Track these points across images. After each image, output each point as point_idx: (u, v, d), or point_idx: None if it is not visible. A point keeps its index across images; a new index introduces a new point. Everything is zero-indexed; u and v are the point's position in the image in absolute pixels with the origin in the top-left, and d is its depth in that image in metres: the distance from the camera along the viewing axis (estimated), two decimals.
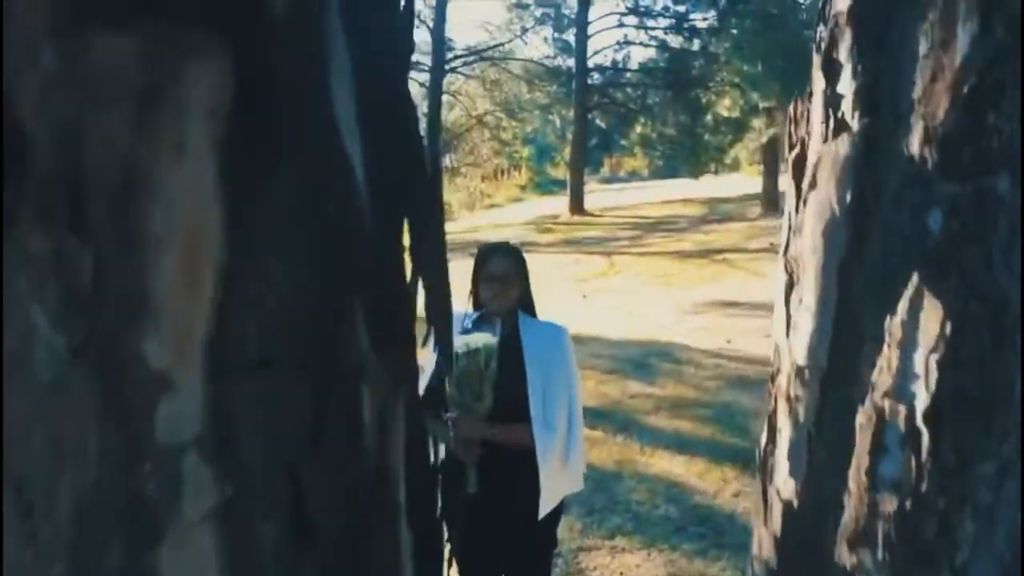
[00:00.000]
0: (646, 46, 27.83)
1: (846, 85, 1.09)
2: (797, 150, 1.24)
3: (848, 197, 1.08)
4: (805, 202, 1.18)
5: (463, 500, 2.36)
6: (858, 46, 1.07)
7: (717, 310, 10.78)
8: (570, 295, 12.86)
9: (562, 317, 2.73)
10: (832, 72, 1.12)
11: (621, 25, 27.06)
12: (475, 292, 2.51)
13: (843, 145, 1.09)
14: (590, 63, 26.61)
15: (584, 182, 27.37)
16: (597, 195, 31.13)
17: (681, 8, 25.08)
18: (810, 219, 1.16)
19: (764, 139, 19.34)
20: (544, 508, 2.37)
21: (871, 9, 1.06)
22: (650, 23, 26.86)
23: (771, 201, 21.31)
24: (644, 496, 4.48)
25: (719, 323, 9.85)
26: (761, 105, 18.08)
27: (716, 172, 38.17)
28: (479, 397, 2.28)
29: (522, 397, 2.32)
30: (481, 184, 35.79)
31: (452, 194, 33.22)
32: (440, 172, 1.03)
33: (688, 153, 25.88)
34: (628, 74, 28.21)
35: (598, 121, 27.89)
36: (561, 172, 39.56)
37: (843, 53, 1.09)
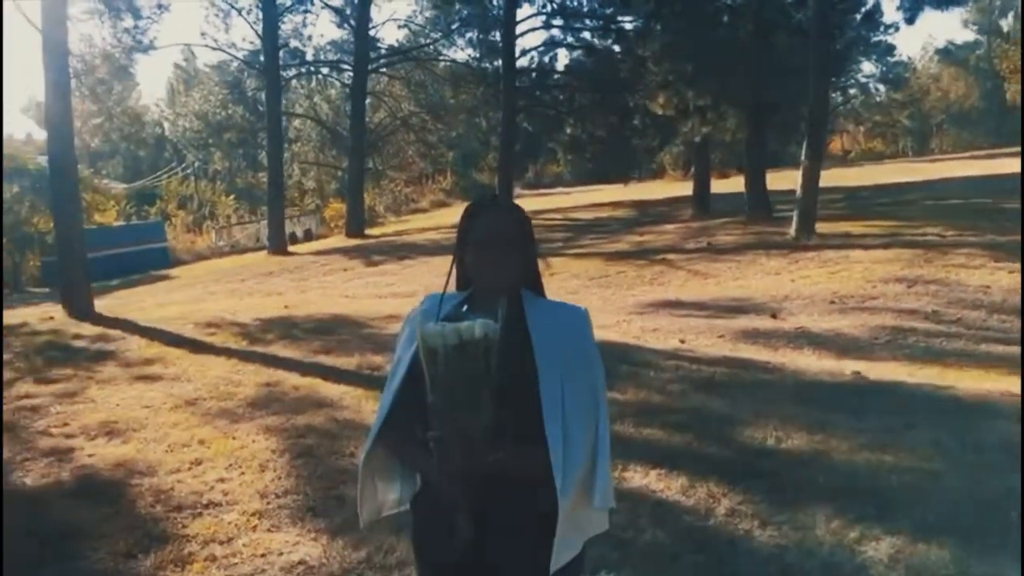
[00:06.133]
0: (573, 48, 27.47)
1: None
2: None
3: None
4: None
5: (452, 553, 1.70)
6: None
7: (663, 310, 10.29)
8: None
9: None
10: None
11: (548, 27, 26.62)
12: (459, 264, 1.83)
13: None
14: (516, 65, 26.09)
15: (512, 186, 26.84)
16: (524, 200, 30.62)
17: (608, 10, 24.84)
18: None
19: (697, 138, 19.11)
20: (560, 559, 1.71)
21: None
22: (577, 25, 26.56)
23: (702, 202, 21.13)
24: (626, 519, 3.85)
25: (668, 323, 9.34)
26: (694, 104, 17.81)
27: (640, 178, 38.28)
28: (475, 408, 1.60)
29: (534, 407, 1.65)
30: (406, 189, 34.89)
31: (377, 198, 32.26)
32: None
33: (617, 154, 25.59)
34: (555, 76, 27.81)
35: (524, 125, 27.35)
36: (486, 177, 38.93)
37: None
